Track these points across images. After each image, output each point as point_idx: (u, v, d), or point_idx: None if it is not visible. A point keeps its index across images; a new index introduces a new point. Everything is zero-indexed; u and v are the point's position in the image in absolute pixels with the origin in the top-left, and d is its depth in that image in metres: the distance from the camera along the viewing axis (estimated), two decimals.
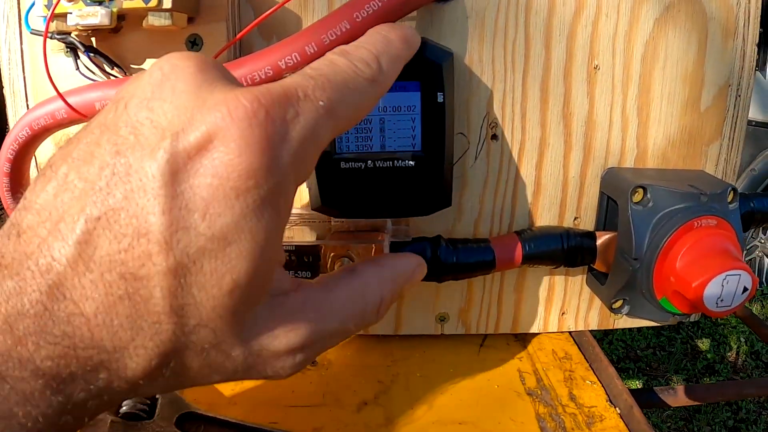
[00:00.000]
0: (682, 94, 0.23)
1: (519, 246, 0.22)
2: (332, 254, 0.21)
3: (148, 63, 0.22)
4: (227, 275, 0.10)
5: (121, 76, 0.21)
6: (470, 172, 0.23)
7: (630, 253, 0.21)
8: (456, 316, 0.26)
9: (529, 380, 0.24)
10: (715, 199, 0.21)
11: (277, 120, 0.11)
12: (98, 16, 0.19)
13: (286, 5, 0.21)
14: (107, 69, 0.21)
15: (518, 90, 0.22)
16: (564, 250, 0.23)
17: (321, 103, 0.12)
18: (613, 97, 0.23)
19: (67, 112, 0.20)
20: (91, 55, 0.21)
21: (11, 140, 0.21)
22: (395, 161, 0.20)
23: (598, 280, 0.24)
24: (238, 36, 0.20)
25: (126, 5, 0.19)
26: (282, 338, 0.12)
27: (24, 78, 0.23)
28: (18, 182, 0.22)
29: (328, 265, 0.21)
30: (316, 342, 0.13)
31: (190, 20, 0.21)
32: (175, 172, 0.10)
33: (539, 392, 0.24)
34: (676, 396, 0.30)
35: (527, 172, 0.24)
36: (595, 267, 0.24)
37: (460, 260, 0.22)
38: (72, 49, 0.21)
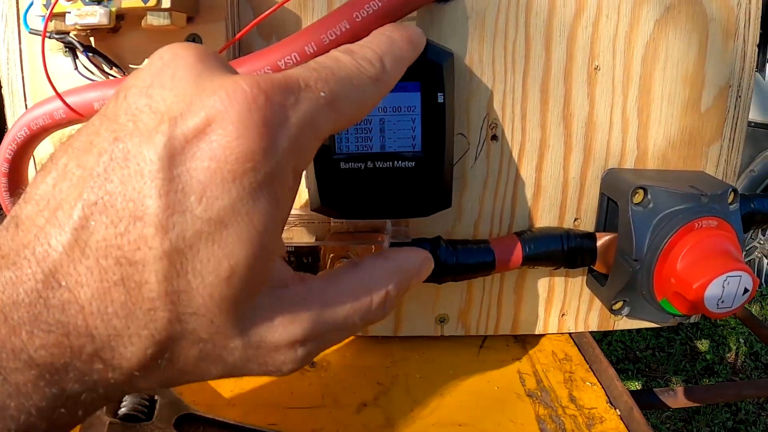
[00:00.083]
0: (683, 95, 0.23)
1: (519, 247, 0.22)
2: (331, 255, 0.21)
3: None
4: (224, 261, 0.10)
5: (119, 76, 0.21)
6: (470, 173, 0.23)
7: (630, 254, 0.21)
8: (456, 318, 0.26)
9: (529, 382, 0.24)
10: (716, 200, 0.21)
11: (276, 105, 0.11)
12: (97, 16, 0.19)
13: (285, 5, 0.21)
14: (106, 69, 0.21)
15: (518, 91, 0.22)
16: (564, 251, 0.23)
17: (322, 93, 0.12)
18: (614, 98, 0.23)
19: (66, 112, 0.20)
20: (90, 54, 0.21)
21: (9, 140, 0.21)
22: (395, 162, 0.20)
23: (598, 281, 0.24)
24: (237, 36, 0.20)
25: (125, 5, 0.19)
26: (282, 330, 0.11)
27: (22, 78, 0.23)
28: (16, 182, 0.22)
29: (328, 266, 0.21)
30: (318, 335, 0.12)
31: (189, 20, 0.21)
32: (173, 156, 0.10)
33: (539, 394, 0.24)
34: (676, 397, 0.30)
35: (527, 173, 0.23)
36: (595, 268, 0.24)
37: (459, 261, 0.22)
38: (70, 48, 0.21)
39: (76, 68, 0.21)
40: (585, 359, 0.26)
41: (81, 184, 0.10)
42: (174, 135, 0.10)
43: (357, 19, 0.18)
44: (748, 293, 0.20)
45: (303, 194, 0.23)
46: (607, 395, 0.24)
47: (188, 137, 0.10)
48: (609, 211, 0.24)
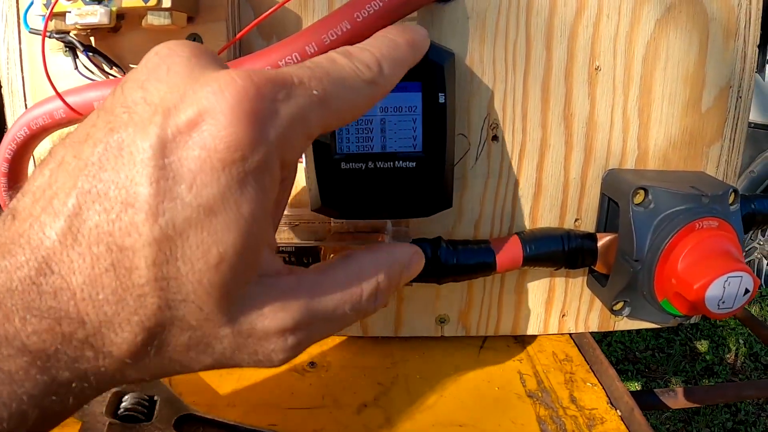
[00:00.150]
0: (683, 95, 0.23)
1: (520, 247, 0.22)
2: (332, 255, 0.21)
3: None
4: (213, 247, 0.10)
5: (120, 76, 0.21)
6: (471, 174, 0.23)
7: (631, 254, 0.21)
8: (456, 318, 0.26)
9: (529, 382, 0.24)
10: (717, 200, 0.21)
11: (267, 97, 0.11)
12: (97, 15, 0.19)
13: (286, 5, 0.21)
14: (106, 68, 0.21)
15: (519, 91, 0.22)
16: (565, 251, 0.23)
17: (315, 92, 0.12)
18: (614, 98, 0.23)
19: (66, 111, 0.20)
20: (90, 54, 0.21)
21: (9, 140, 0.21)
22: (396, 162, 0.20)
23: (598, 281, 0.24)
24: (237, 36, 0.20)
25: (125, 4, 0.19)
26: (272, 318, 0.12)
27: (22, 77, 0.23)
28: (16, 182, 0.22)
29: None
30: (308, 324, 0.12)
31: (190, 20, 0.21)
32: (165, 145, 0.10)
33: (540, 394, 0.23)
34: (676, 398, 0.30)
35: (528, 174, 0.23)
36: (595, 269, 0.24)
37: (460, 261, 0.22)
38: (71, 48, 0.21)
39: (77, 68, 0.21)
40: (585, 360, 0.26)
41: (76, 173, 0.10)
42: (167, 125, 0.10)
43: (358, 19, 0.18)
44: (749, 294, 0.20)
45: (303, 195, 0.23)
46: (607, 396, 0.24)
47: (181, 128, 0.10)
48: (610, 212, 0.24)
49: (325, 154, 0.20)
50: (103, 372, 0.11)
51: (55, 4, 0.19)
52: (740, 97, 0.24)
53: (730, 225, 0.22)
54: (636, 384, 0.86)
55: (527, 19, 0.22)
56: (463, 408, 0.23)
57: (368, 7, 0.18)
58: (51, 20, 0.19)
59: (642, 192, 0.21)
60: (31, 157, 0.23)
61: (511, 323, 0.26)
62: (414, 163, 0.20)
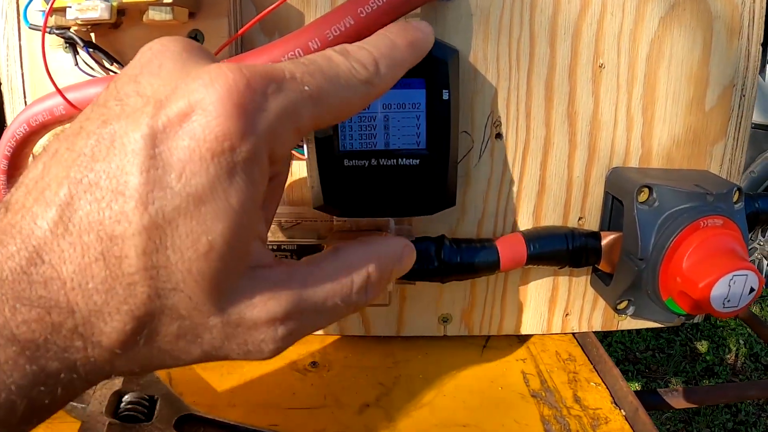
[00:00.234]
0: (687, 93, 0.23)
1: (524, 246, 0.22)
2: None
3: None
4: (202, 236, 0.10)
5: (120, 72, 0.21)
6: (474, 172, 0.23)
7: (636, 253, 0.21)
8: (459, 317, 0.25)
9: (533, 382, 0.24)
10: (721, 198, 0.21)
11: (257, 90, 0.11)
12: (98, 11, 0.18)
13: (288, 1, 0.21)
14: (106, 65, 0.21)
15: (523, 88, 0.22)
16: (569, 250, 0.22)
17: (306, 87, 0.12)
18: (618, 96, 0.23)
19: (66, 108, 0.20)
20: (91, 50, 0.21)
21: (8, 137, 0.21)
22: (399, 159, 0.20)
23: (602, 280, 0.24)
24: (239, 32, 0.20)
25: None
26: (262, 307, 0.12)
27: (22, 74, 0.23)
28: (15, 179, 0.22)
29: None
30: (298, 314, 0.12)
31: (191, 15, 0.20)
32: (155, 135, 0.10)
33: (543, 394, 0.23)
34: (679, 398, 0.30)
35: (532, 172, 0.23)
36: (599, 267, 0.24)
37: (464, 260, 0.21)
38: (71, 44, 0.21)
39: (77, 64, 0.21)
40: (589, 359, 0.26)
41: (69, 164, 0.11)
42: (158, 116, 0.10)
43: (361, 15, 0.18)
44: (754, 292, 0.20)
45: (306, 193, 0.23)
46: (611, 396, 0.24)
47: (172, 119, 0.10)
48: (613, 210, 0.24)
49: (327, 152, 0.20)
50: (93, 362, 0.11)
51: (55, 0, 0.19)
52: (744, 96, 0.24)
53: (734, 223, 0.22)
54: (636, 384, 0.85)
55: (531, 16, 0.21)
56: (466, 408, 0.22)
57: (372, 3, 0.18)
58: (51, 16, 0.19)
59: (646, 190, 0.21)
60: (31, 154, 0.23)
61: (514, 322, 0.26)
62: (417, 161, 0.20)
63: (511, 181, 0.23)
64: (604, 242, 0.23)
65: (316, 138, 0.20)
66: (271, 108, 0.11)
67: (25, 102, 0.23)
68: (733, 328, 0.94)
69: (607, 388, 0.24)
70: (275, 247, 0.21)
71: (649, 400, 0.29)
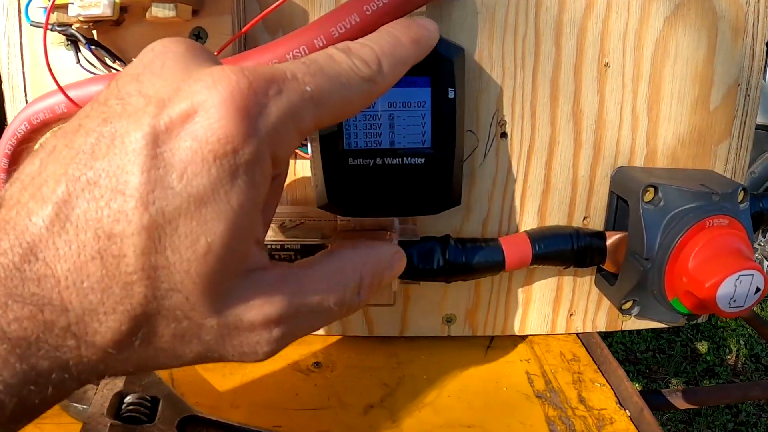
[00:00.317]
0: (692, 92, 0.23)
1: (529, 246, 0.22)
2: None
3: None
4: (202, 237, 0.10)
5: (122, 70, 0.21)
6: (479, 171, 0.23)
7: (641, 253, 0.21)
8: (463, 317, 0.25)
9: (537, 383, 0.24)
10: (727, 198, 0.21)
11: (259, 92, 0.11)
12: (100, 7, 0.18)
13: None
14: (108, 62, 0.21)
15: (528, 87, 0.22)
16: (574, 250, 0.22)
17: (308, 88, 0.12)
18: (624, 96, 0.23)
19: (67, 106, 0.20)
20: (93, 47, 0.20)
21: (9, 135, 0.21)
22: (404, 158, 0.20)
23: (607, 280, 0.24)
24: (243, 29, 0.19)
25: None
26: (257, 309, 0.12)
27: (23, 72, 0.23)
28: None
29: None
30: (293, 316, 0.12)
31: (194, 13, 0.20)
32: (157, 135, 0.10)
33: (548, 395, 0.23)
34: (683, 398, 0.30)
35: (537, 171, 0.23)
36: (604, 267, 0.23)
37: (469, 260, 0.21)
38: (73, 41, 0.21)
39: (78, 62, 0.21)
40: (593, 360, 0.26)
41: (67, 161, 0.10)
42: (160, 116, 0.10)
43: (367, 12, 0.17)
44: (760, 292, 0.20)
45: (309, 192, 0.23)
46: (616, 396, 0.23)
47: (174, 119, 0.10)
48: (618, 210, 0.24)
49: (332, 150, 0.19)
50: (85, 362, 0.11)
51: None
52: (748, 95, 0.24)
53: (740, 223, 0.22)
54: (637, 385, 0.85)
55: (536, 14, 0.21)
56: (471, 409, 0.22)
57: (377, 1, 0.17)
58: (53, 12, 0.19)
59: (652, 190, 0.21)
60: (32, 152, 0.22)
61: (519, 323, 0.26)
62: (423, 160, 0.20)
63: (516, 181, 0.23)
64: (609, 242, 0.23)
65: (320, 136, 0.20)
66: (273, 110, 0.11)
67: (26, 100, 0.23)
68: (734, 329, 0.94)
69: (612, 388, 0.24)
70: (278, 247, 0.21)
71: (653, 400, 0.29)
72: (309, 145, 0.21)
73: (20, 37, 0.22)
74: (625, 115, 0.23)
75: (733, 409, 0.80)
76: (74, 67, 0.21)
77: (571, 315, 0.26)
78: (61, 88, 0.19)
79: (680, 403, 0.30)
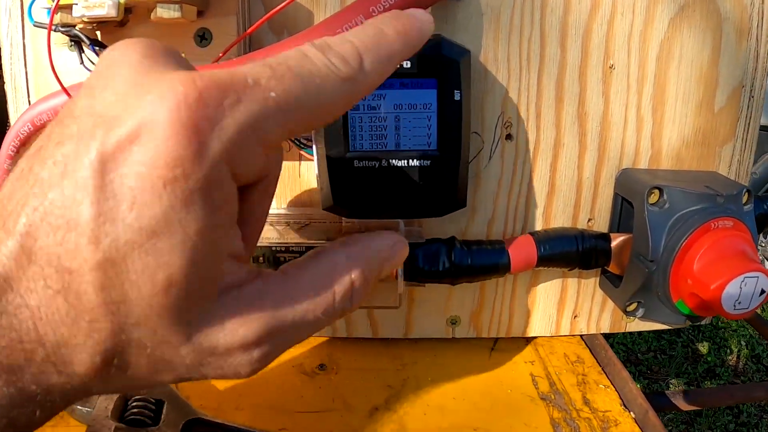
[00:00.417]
0: (697, 94, 0.23)
1: (534, 248, 0.22)
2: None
3: None
4: (159, 272, 0.10)
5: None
6: (484, 173, 0.23)
7: (646, 255, 0.21)
8: (467, 319, 0.25)
9: (542, 384, 0.24)
10: (731, 200, 0.21)
11: (210, 104, 0.10)
12: (105, 8, 0.18)
13: (297, 0, 0.21)
14: None
15: (533, 89, 0.22)
16: (579, 252, 0.22)
17: (272, 93, 0.11)
18: (628, 97, 0.23)
19: None
20: (97, 48, 0.20)
21: (12, 136, 0.21)
22: (410, 160, 0.19)
23: (611, 282, 0.24)
24: (248, 30, 0.19)
25: None
26: (234, 333, 0.11)
27: (26, 73, 0.22)
28: None
29: None
30: (273, 335, 0.12)
31: (200, 14, 0.20)
32: (106, 161, 0.10)
33: (553, 397, 0.23)
34: (686, 399, 0.30)
35: (541, 173, 0.23)
36: (609, 269, 0.23)
37: (474, 262, 0.21)
38: (76, 42, 0.20)
39: (82, 62, 0.21)
40: (597, 361, 0.26)
41: (28, 190, 0.10)
42: (107, 139, 0.10)
43: (373, 13, 0.17)
44: (765, 294, 0.20)
45: (315, 193, 0.23)
46: (621, 398, 0.23)
47: (122, 142, 0.10)
48: (623, 212, 0.23)
49: (337, 152, 0.19)
50: (69, 387, 0.11)
51: None
52: (753, 97, 0.24)
53: (744, 225, 0.22)
54: (638, 386, 0.85)
55: (542, 16, 0.21)
56: (476, 411, 0.22)
57: (384, 2, 0.17)
58: (57, 13, 0.19)
59: (657, 191, 0.21)
60: None
61: (523, 324, 0.26)
62: (428, 162, 0.19)
63: (521, 183, 0.23)
64: (613, 244, 0.23)
65: (325, 138, 0.20)
66: (228, 123, 0.10)
67: (29, 101, 0.23)
68: (735, 330, 0.94)
69: (616, 390, 0.24)
70: (283, 249, 0.21)
71: (657, 401, 0.29)
72: (314, 147, 0.20)
73: (23, 37, 0.22)
74: (630, 117, 0.23)
75: (734, 410, 0.80)
76: (77, 69, 0.21)
77: (575, 317, 0.26)
78: (65, 89, 0.19)
79: (683, 405, 0.30)
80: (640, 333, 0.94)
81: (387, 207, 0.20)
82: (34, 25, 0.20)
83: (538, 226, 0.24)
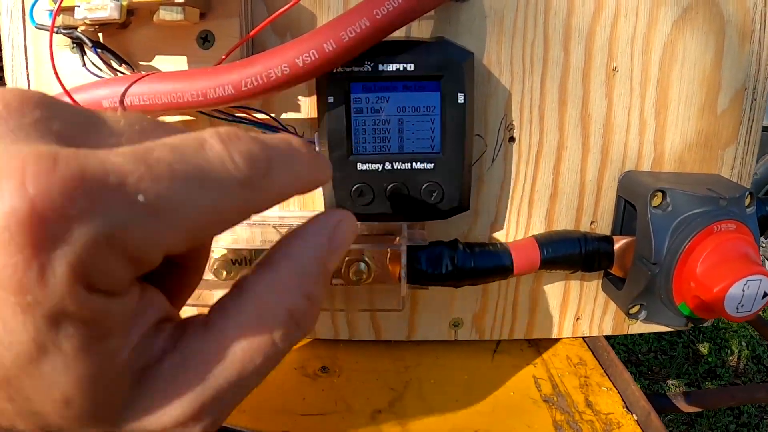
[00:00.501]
0: (699, 97, 0.23)
1: (537, 250, 0.22)
2: (346, 258, 0.21)
3: (158, 60, 0.21)
4: (53, 391, 0.09)
5: (128, 73, 0.20)
6: (487, 175, 0.23)
7: (650, 257, 0.21)
8: (470, 322, 0.25)
9: (544, 387, 0.24)
10: (734, 203, 0.21)
11: (58, 212, 0.08)
12: (107, 10, 0.18)
13: (300, 2, 0.21)
14: (115, 65, 0.21)
15: (536, 92, 0.22)
16: (582, 254, 0.22)
17: (140, 197, 0.09)
18: (632, 100, 0.23)
19: None
20: (99, 51, 0.20)
21: None
22: (413, 163, 0.19)
23: (614, 285, 0.24)
24: (251, 33, 0.19)
25: None
26: (163, 416, 0.10)
27: (27, 76, 0.22)
28: None
29: (343, 270, 0.21)
30: (211, 405, 0.10)
31: (202, 16, 0.20)
32: None
33: (555, 399, 0.23)
34: (689, 401, 0.30)
35: (544, 176, 0.23)
36: (611, 272, 0.23)
37: (478, 265, 0.21)
38: (78, 44, 0.20)
39: (84, 65, 0.21)
40: (600, 363, 0.26)
41: None
42: None
43: (377, 17, 0.17)
44: (767, 297, 0.20)
45: (318, 195, 0.23)
46: (623, 400, 0.23)
47: None
48: (626, 214, 0.23)
49: (340, 154, 0.19)
50: None
51: None
52: (755, 100, 0.24)
53: (747, 227, 0.22)
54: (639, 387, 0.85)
55: (545, 18, 0.21)
56: (479, 413, 0.22)
57: (388, 5, 0.17)
58: (59, 15, 0.19)
59: (660, 194, 0.21)
60: None
61: (525, 327, 0.26)
62: (432, 165, 0.19)
63: (524, 185, 0.23)
64: (616, 246, 0.23)
65: (328, 140, 0.19)
66: (76, 239, 0.08)
67: None
68: (735, 330, 0.94)
69: (619, 392, 0.24)
70: None
71: (658, 403, 0.29)
72: (317, 149, 0.20)
73: (24, 39, 0.22)
74: (633, 120, 0.23)
75: (735, 411, 0.80)
76: (79, 71, 0.21)
77: (577, 319, 0.26)
78: (67, 92, 0.19)
79: (685, 406, 0.30)
80: (640, 334, 0.94)
81: (390, 210, 0.20)
82: (36, 27, 0.20)
83: (541, 229, 0.24)
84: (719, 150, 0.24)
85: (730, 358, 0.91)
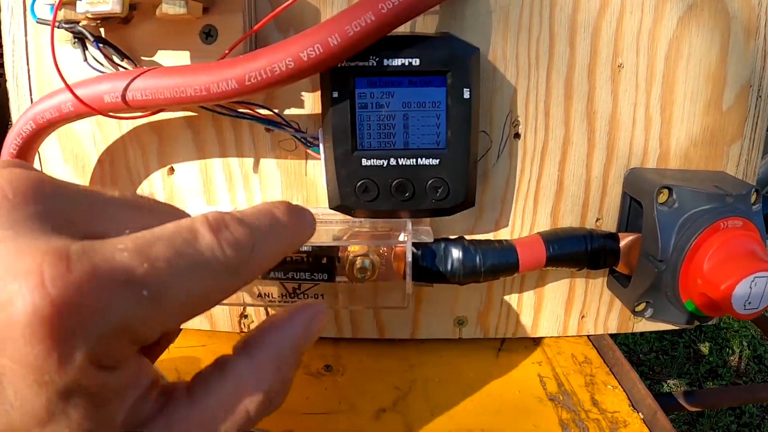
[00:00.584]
0: (705, 93, 0.23)
1: (543, 247, 0.22)
2: (351, 255, 0.21)
3: (160, 55, 0.21)
4: None
5: (130, 68, 0.20)
6: (492, 171, 0.23)
7: (656, 254, 0.21)
8: (475, 320, 0.25)
9: (550, 385, 0.24)
10: (740, 200, 0.21)
11: (71, 314, 0.09)
12: (109, 4, 0.18)
13: None
14: (116, 60, 0.20)
15: (542, 87, 0.22)
16: (587, 251, 0.22)
17: (145, 292, 0.10)
18: (637, 96, 0.22)
19: (74, 104, 0.19)
20: (101, 45, 0.20)
21: (14, 135, 0.21)
22: (418, 159, 0.19)
23: (620, 282, 0.24)
24: (254, 28, 0.19)
25: None
26: None
27: (28, 70, 0.22)
28: None
29: (347, 267, 0.21)
30: None
31: (205, 10, 0.20)
32: None
33: (561, 398, 0.23)
34: (692, 400, 0.29)
35: (550, 172, 0.23)
36: (617, 269, 0.23)
37: (483, 262, 0.21)
38: (80, 39, 0.20)
39: (86, 60, 0.20)
40: (605, 362, 0.25)
41: None
42: None
43: (382, 11, 0.17)
44: None
45: (322, 191, 0.22)
46: (629, 399, 0.23)
47: None
48: (631, 211, 0.23)
49: (345, 150, 0.19)
50: None
51: None
52: (760, 96, 0.24)
53: (753, 224, 0.21)
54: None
55: (551, 14, 0.21)
56: (484, 412, 0.22)
57: None
58: (60, 9, 0.19)
59: (666, 191, 0.21)
60: (37, 153, 0.22)
61: (530, 325, 0.25)
62: (437, 161, 0.19)
63: (530, 181, 0.23)
64: (622, 243, 0.22)
65: (333, 136, 0.19)
66: (92, 332, 0.09)
67: (31, 99, 0.22)
68: (737, 330, 0.94)
69: (625, 391, 0.24)
70: None
71: (663, 402, 0.29)
72: (321, 146, 0.20)
73: (25, 34, 0.22)
74: (639, 116, 0.23)
75: (736, 411, 0.80)
76: (80, 67, 0.20)
77: (582, 317, 0.26)
78: (68, 87, 0.19)
79: (688, 405, 0.29)
80: (642, 333, 0.94)
81: (395, 206, 0.20)
82: (37, 22, 0.20)
83: (546, 225, 0.24)
84: (725, 146, 0.24)
85: (732, 358, 0.91)
